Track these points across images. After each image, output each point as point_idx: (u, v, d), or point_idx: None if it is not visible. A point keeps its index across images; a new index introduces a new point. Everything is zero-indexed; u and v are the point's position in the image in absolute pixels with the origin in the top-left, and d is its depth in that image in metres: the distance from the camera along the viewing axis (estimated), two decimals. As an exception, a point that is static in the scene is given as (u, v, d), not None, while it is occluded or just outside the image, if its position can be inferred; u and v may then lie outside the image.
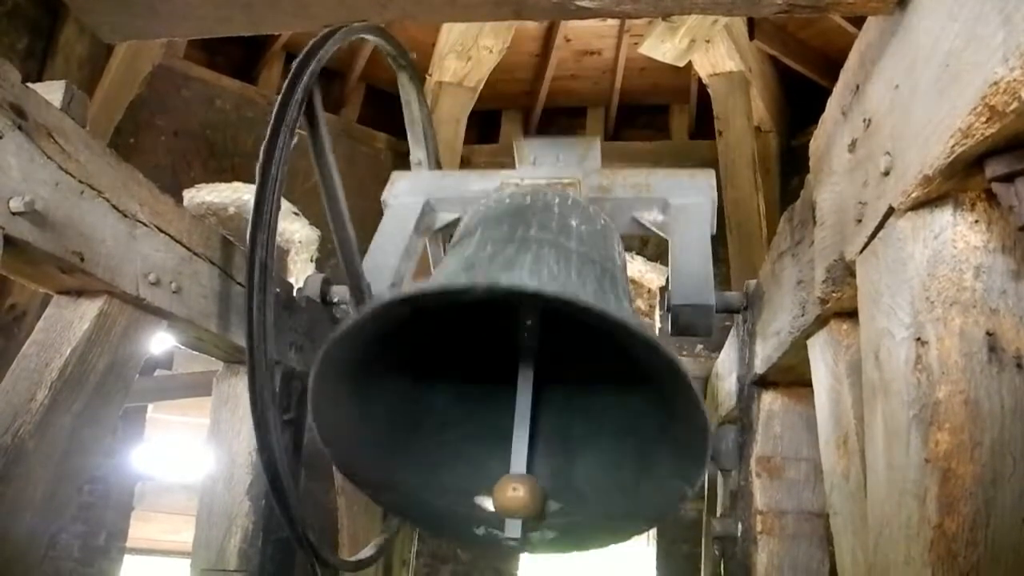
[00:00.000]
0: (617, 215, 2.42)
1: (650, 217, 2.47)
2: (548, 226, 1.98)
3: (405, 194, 2.61)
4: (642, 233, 2.50)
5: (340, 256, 2.19)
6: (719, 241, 2.40)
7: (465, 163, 7.60)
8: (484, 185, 2.54)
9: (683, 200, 2.43)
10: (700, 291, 2.30)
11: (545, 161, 2.57)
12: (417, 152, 3.15)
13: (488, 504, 1.80)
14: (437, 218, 2.62)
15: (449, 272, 1.84)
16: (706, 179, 2.50)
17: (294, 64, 1.99)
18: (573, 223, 2.03)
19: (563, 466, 1.93)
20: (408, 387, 1.90)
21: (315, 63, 2.00)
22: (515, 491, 1.68)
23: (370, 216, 2.99)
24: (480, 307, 1.77)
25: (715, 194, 2.45)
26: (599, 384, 2.01)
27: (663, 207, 2.45)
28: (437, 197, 2.58)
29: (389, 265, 2.52)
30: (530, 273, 1.65)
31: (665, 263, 2.25)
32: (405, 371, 1.88)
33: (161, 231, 1.94)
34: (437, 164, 3.29)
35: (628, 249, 3.20)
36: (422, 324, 1.76)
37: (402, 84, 2.91)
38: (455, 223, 2.61)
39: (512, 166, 2.62)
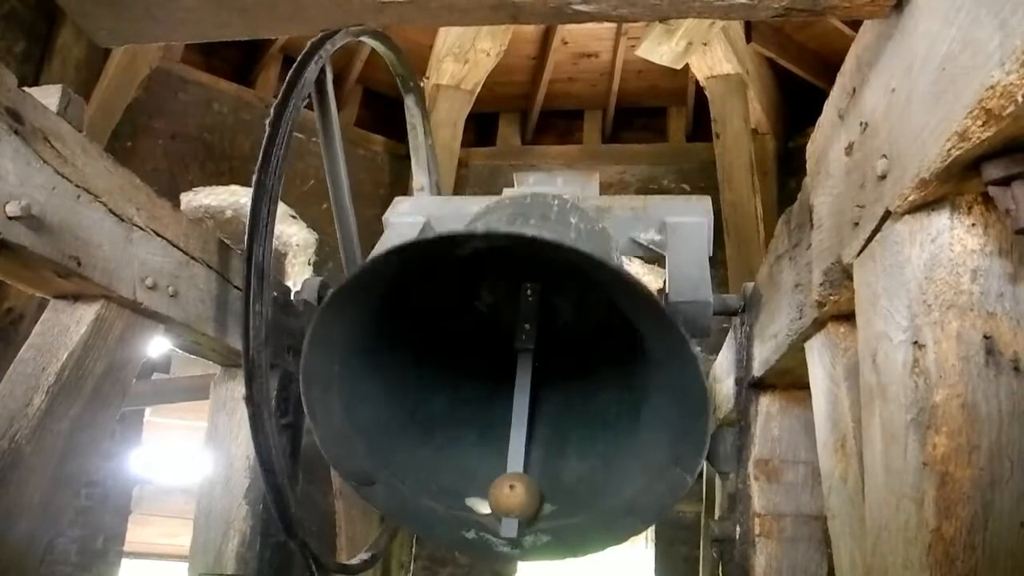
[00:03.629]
0: (615, 237, 2.45)
1: (647, 237, 2.49)
2: (548, 217, 2.00)
3: (406, 214, 2.62)
4: (641, 254, 2.52)
5: (342, 248, 2.12)
6: (717, 244, 2.38)
7: (462, 165, 7.60)
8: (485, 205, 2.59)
9: (680, 219, 2.45)
10: (697, 290, 2.31)
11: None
12: (420, 177, 3.18)
13: (481, 507, 1.80)
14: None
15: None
16: (702, 204, 2.51)
17: (292, 68, 2.00)
18: (572, 220, 2.08)
19: (558, 467, 1.95)
20: (402, 381, 1.91)
21: (312, 66, 2.00)
22: (512, 489, 1.70)
23: (367, 220, 2.99)
24: (480, 275, 1.77)
25: (711, 218, 2.45)
26: (595, 380, 2.03)
27: (660, 227, 2.47)
28: (438, 216, 2.59)
29: None
30: (529, 229, 1.69)
31: (662, 265, 2.25)
32: (399, 365, 1.89)
33: (158, 235, 1.93)
34: (438, 190, 3.33)
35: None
36: (418, 303, 1.78)
37: (408, 107, 2.93)
38: None
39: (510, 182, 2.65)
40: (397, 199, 2.70)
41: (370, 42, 2.45)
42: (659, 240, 2.47)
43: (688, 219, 2.42)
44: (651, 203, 2.52)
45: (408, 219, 2.56)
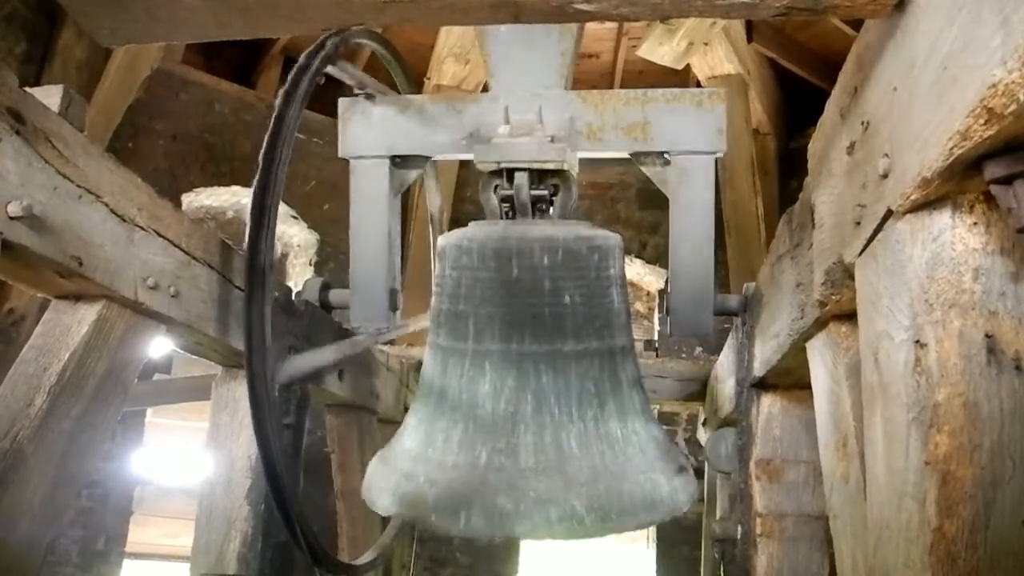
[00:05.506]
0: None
1: (649, 168, 2.39)
2: (542, 322, 2.03)
3: (365, 147, 2.51)
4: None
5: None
6: (718, 244, 2.35)
7: (463, 166, 7.59)
8: (449, 133, 2.48)
9: (685, 156, 2.30)
10: (700, 290, 2.31)
11: (516, 81, 2.56)
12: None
13: None
14: (408, 176, 2.57)
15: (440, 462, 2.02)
16: (713, 117, 2.28)
17: (294, 68, 2.00)
18: (567, 298, 2.06)
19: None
20: None
21: (313, 67, 2.00)
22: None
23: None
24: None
25: (723, 137, 2.27)
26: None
27: (664, 161, 2.36)
28: (402, 152, 2.51)
29: (380, 269, 2.52)
30: (524, 518, 1.87)
31: (664, 265, 2.25)
32: None
33: (159, 235, 1.93)
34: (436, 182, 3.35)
35: (627, 252, 3.17)
36: None
37: (396, 76, 2.91)
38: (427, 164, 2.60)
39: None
40: (343, 113, 2.53)
41: (374, 46, 2.44)
42: (661, 174, 2.37)
43: (694, 156, 2.28)
44: (653, 116, 2.32)
45: (368, 157, 2.50)
